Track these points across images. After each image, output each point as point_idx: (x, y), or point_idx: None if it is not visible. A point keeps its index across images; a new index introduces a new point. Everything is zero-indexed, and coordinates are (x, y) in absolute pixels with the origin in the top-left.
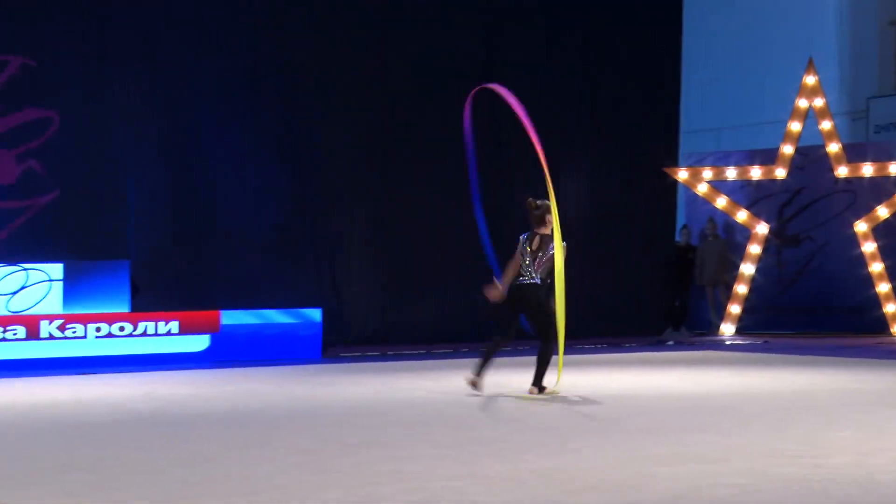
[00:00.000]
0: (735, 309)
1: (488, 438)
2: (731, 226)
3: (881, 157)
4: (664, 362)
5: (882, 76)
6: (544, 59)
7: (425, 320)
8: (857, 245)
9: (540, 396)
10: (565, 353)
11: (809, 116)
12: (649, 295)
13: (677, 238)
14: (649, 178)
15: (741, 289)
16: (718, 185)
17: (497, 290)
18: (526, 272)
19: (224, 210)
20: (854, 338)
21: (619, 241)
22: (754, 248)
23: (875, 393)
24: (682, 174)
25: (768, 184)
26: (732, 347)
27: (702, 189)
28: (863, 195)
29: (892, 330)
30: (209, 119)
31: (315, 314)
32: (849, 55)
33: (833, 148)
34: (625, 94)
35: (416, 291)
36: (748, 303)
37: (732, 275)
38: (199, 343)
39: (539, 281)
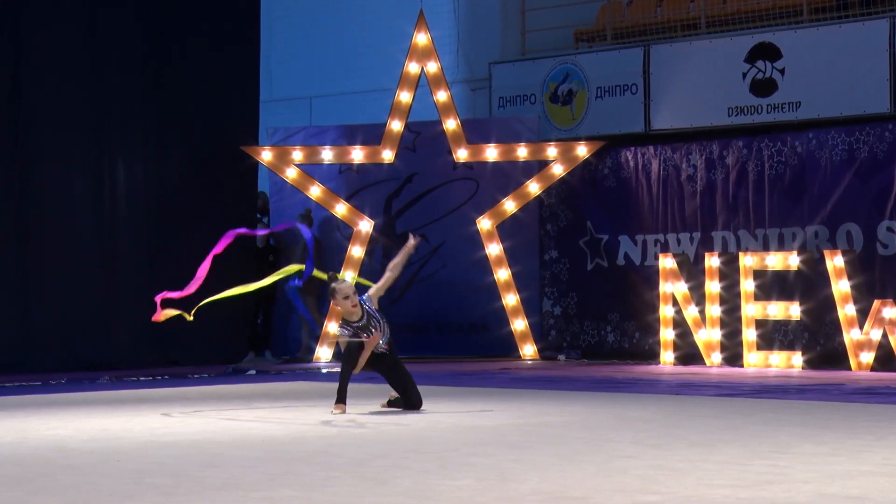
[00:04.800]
0: (333, 328)
1: None
2: (328, 221)
3: (507, 138)
4: (242, 397)
5: (506, 37)
6: (98, 17)
7: None
8: (481, 246)
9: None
10: None
11: (422, 85)
12: (224, 311)
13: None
14: (222, 161)
15: None
16: (311, 170)
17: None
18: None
19: None
20: (475, 362)
21: (182, 241)
22: (356, 251)
23: (496, 431)
24: (266, 155)
25: (373, 169)
26: (330, 377)
27: (291, 174)
28: (486, 184)
29: (520, 352)
30: None
31: None
32: (466, 9)
33: (451, 125)
34: (191, 53)
35: None
36: None
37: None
38: None
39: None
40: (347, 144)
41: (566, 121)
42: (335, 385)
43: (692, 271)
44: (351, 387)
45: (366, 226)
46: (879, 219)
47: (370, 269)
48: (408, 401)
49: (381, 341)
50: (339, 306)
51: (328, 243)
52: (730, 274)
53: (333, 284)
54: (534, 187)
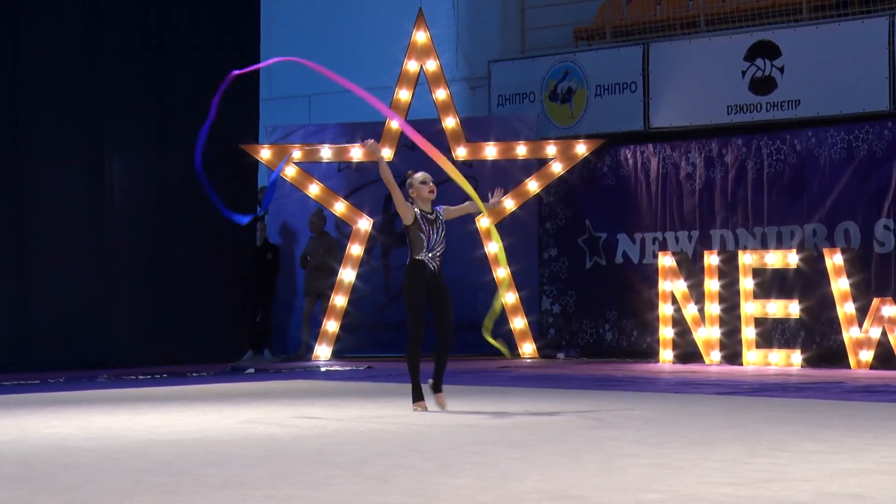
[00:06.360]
0: (332, 326)
1: None
2: (328, 220)
3: (506, 136)
4: (242, 396)
5: (506, 35)
6: (96, 16)
7: None
8: (480, 244)
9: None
10: None
11: (421, 83)
12: (222, 309)
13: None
14: (221, 159)
15: (339, 300)
16: (310, 168)
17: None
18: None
19: None
20: (474, 360)
21: (181, 239)
22: (355, 249)
23: (498, 429)
24: (265, 153)
25: (372, 167)
26: (329, 375)
27: (290, 173)
28: (485, 182)
29: (520, 350)
30: None
31: None
32: (466, 7)
33: (450, 123)
34: (191, 52)
35: None
36: (348, 318)
37: (329, 282)
38: None
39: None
40: (346, 142)
41: (565, 119)
42: (333, 384)
43: (691, 269)
44: (352, 386)
45: (365, 224)
46: (877, 217)
47: (369, 267)
48: (443, 340)
49: (434, 247)
50: (414, 193)
51: (339, 242)
52: (729, 272)
53: (410, 174)
54: (533, 185)
